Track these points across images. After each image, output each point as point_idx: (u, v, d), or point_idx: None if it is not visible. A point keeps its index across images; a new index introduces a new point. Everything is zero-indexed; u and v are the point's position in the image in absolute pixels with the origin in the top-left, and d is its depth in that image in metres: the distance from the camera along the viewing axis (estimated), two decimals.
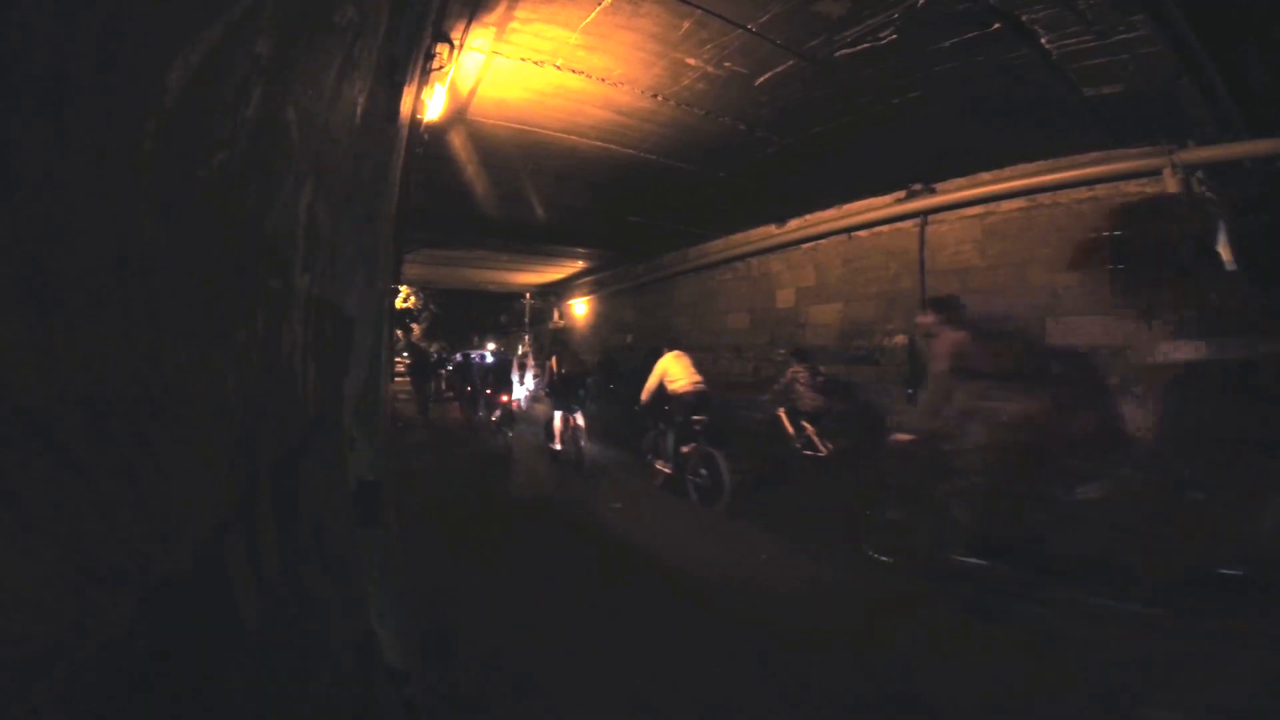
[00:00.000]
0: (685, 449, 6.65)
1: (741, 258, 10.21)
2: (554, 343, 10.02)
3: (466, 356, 15.28)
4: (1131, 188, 5.61)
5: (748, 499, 6.09)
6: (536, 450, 9.08)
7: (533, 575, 4.30)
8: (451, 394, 14.19)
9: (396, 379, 13.01)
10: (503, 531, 5.41)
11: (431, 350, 18.71)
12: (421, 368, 14.23)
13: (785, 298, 9.43)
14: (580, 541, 5.12)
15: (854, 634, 3.45)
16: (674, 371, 7.00)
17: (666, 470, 6.97)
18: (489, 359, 14.31)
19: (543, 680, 2.97)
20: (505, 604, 3.80)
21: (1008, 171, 6.42)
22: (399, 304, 23.66)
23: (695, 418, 6.63)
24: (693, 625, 3.58)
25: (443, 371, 15.21)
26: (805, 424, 7.14)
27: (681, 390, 6.87)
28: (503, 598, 3.90)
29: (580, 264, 14.58)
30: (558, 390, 7.99)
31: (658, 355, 7.43)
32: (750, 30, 4.10)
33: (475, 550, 4.79)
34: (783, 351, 9.28)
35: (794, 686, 2.96)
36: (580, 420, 7.85)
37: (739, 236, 10.20)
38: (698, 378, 7.02)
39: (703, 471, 6.32)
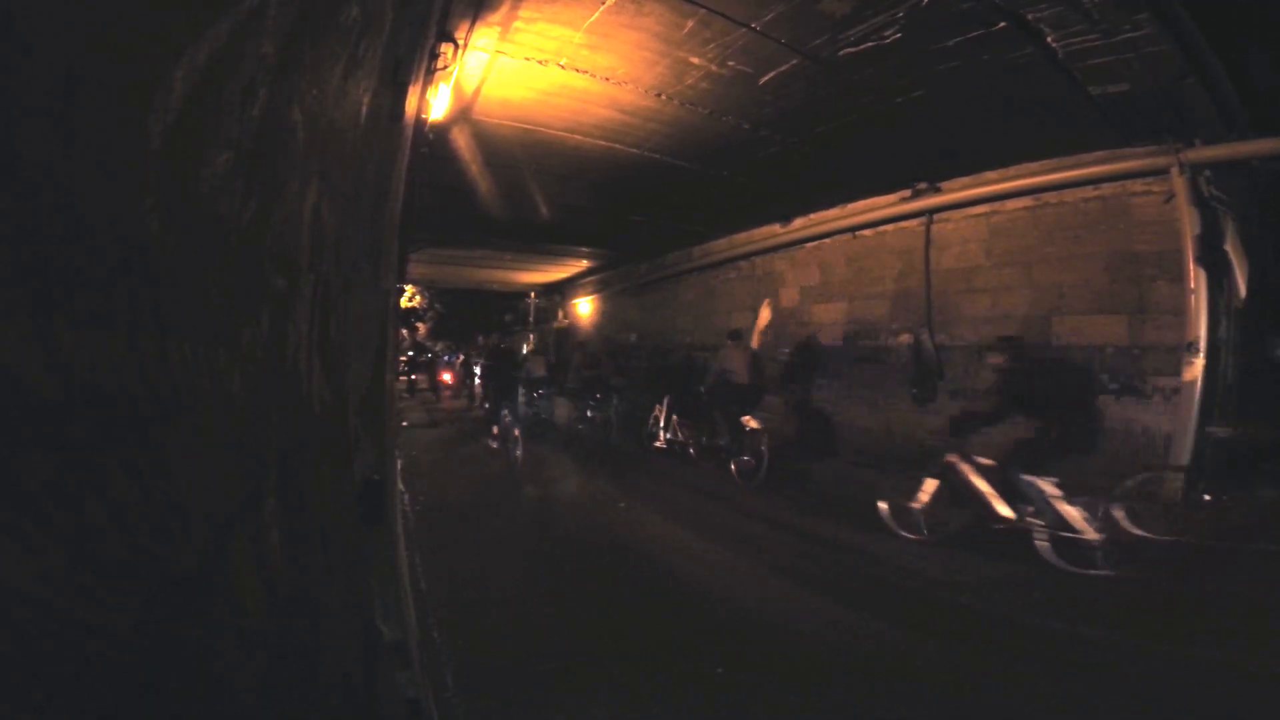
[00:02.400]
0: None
1: (745, 257, 10.19)
2: (486, 346, 13.35)
3: (437, 355, 21.10)
4: (1138, 187, 5.59)
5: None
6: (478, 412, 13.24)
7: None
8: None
9: (400, 378, 17.58)
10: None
11: (437, 349, 22.57)
12: (414, 364, 19.03)
13: (789, 297, 9.42)
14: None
15: None
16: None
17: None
18: (454, 357, 19.88)
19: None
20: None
21: (1013, 170, 6.40)
22: (404, 303, 23.78)
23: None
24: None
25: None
26: None
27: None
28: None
29: (584, 263, 14.59)
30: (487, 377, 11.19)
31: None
32: (754, 29, 4.09)
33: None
34: (786, 351, 9.29)
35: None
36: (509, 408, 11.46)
37: (742, 236, 10.19)
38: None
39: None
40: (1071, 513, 4.32)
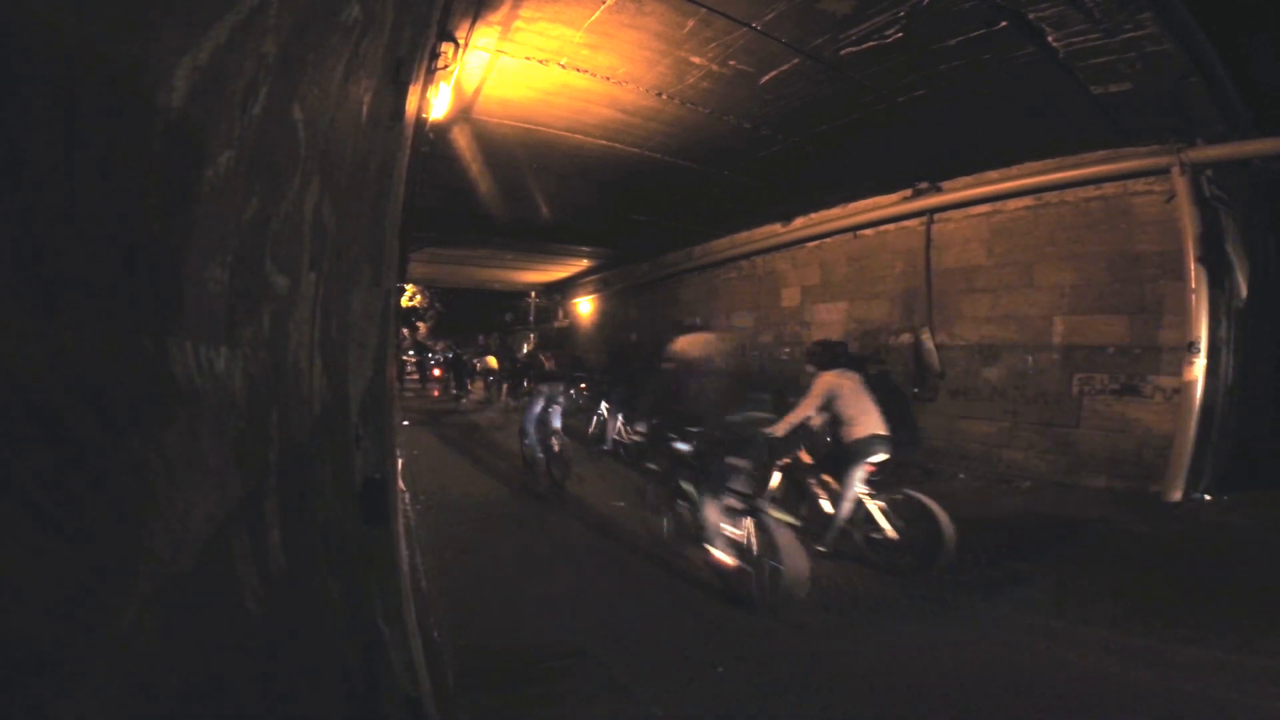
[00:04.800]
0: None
1: (746, 256, 10.18)
2: (448, 346, 19.26)
3: (428, 353, 25.49)
4: (1140, 186, 5.58)
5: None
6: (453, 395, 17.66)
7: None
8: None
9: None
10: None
11: (437, 349, 24.99)
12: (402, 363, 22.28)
13: (790, 296, 9.41)
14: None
15: None
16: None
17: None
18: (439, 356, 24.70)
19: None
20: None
21: (1014, 170, 6.39)
22: (405, 303, 23.91)
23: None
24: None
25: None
26: None
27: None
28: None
29: (585, 262, 14.59)
30: (454, 368, 17.12)
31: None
32: (755, 28, 4.09)
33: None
34: (787, 351, 9.28)
35: None
36: (464, 383, 17.08)
37: (743, 235, 10.18)
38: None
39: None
40: (614, 426, 8.11)
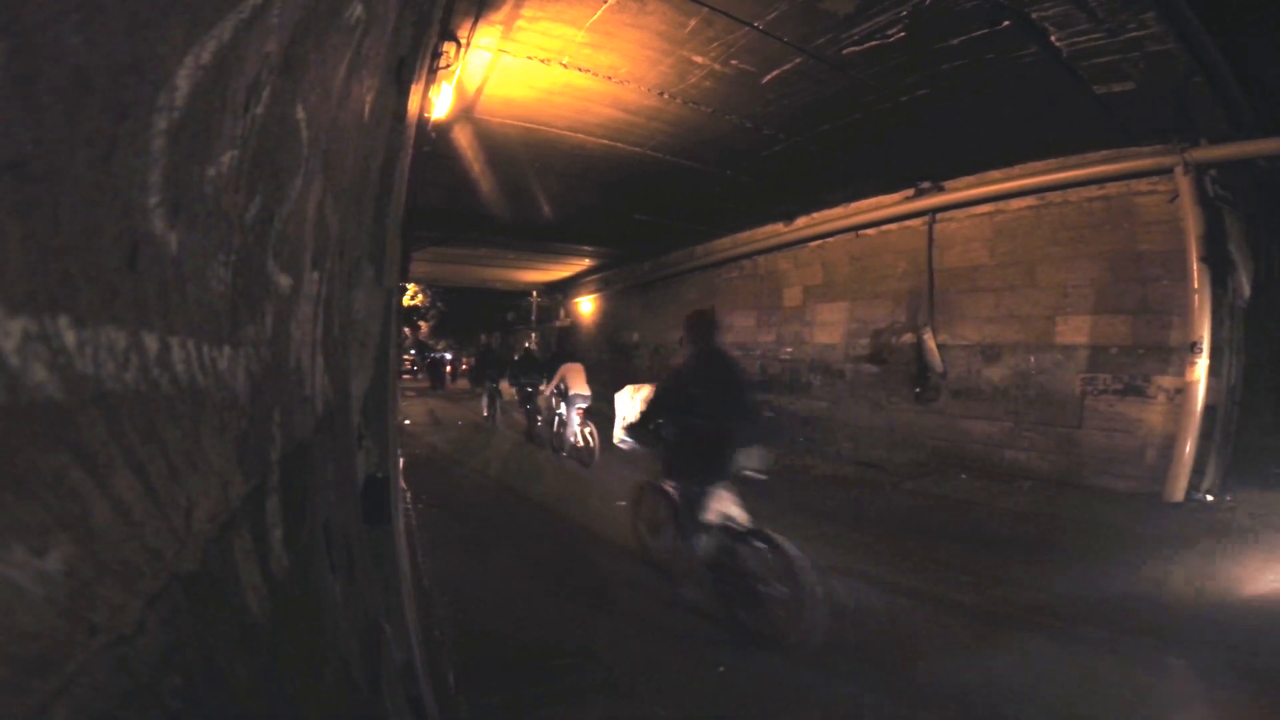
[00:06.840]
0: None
1: (748, 255, 10.17)
2: (448, 346, 23.81)
3: (429, 352, 28.33)
4: (1143, 186, 5.57)
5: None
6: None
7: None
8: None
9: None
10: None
11: (438, 348, 26.66)
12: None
13: (792, 296, 9.41)
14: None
15: None
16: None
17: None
18: (436, 354, 27.88)
19: None
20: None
21: (1017, 170, 6.38)
22: (407, 302, 23.98)
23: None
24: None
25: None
26: None
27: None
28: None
29: (587, 262, 14.59)
30: (434, 368, 22.41)
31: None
32: (757, 28, 4.08)
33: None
34: (789, 351, 9.27)
35: None
36: (447, 381, 22.36)
37: (745, 235, 10.17)
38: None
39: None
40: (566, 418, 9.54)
